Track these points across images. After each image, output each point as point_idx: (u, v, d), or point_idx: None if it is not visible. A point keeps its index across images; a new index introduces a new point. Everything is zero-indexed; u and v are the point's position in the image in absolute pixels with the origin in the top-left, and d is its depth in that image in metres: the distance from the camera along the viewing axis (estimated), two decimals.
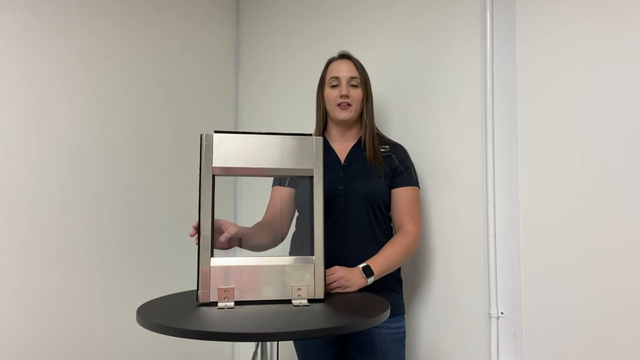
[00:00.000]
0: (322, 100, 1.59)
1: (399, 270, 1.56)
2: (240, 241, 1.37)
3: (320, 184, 1.24)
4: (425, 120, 1.77)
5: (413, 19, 1.83)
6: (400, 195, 1.53)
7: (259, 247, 1.49)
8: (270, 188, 1.65)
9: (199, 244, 1.17)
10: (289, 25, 2.26)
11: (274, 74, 2.31)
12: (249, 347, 2.24)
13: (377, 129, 1.61)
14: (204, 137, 1.20)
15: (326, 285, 1.25)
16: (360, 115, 1.58)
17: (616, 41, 1.41)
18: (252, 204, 2.30)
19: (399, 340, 1.51)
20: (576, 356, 1.43)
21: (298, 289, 1.19)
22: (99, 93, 1.86)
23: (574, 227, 1.45)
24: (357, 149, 1.57)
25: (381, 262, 1.41)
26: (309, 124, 1.66)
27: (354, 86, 1.54)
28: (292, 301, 1.18)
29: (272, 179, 1.64)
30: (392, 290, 1.52)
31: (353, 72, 1.55)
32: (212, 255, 1.17)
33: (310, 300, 1.19)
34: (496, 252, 1.61)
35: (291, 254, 1.60)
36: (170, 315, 1.08)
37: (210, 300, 1.15)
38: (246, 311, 1.10)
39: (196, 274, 1.16)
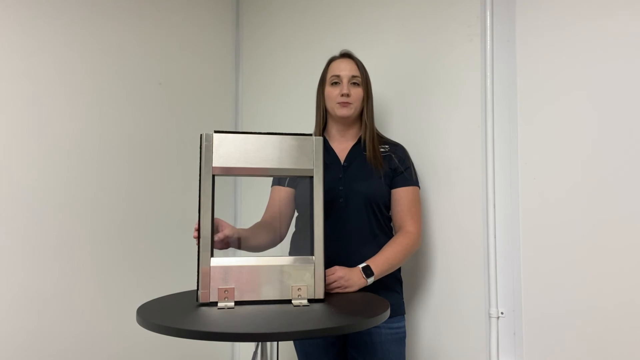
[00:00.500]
0: (323, 99, 1.59)
1: (399, 270, 1.56)
2: (238, 243, 1.37)
3: (320, 184, 1.24)
4: (425, 120, 1.77)
5: (413, 19, 1.83)
6: (400, 195, 1.53)
7: (257, 248, 1.49)
8: (270, 188, 1.65)
9: (198, 244, 1.17)
10: (289, 25, 2.26)
11: (274, 74, 2.31)
12: (249, 347, 2.24)
13: (376, 129, 1.61)
14: (203, 137, 1.20)
15: (326, 285, 1.25)
16: (360, 114, 1.58)
17: (616, 41, 1.41)
18: (252, 204, 2.30)
19: (399, 340, 1.51)
20: (576, 356, 1.43)
21: (298, 289, 1.19)
22: (99, 93, 1.86)
23: (574, 226, 1.45)
24: (357, 149, 1.57)
25: (381, 262, 1.41)
26: (309, 124, 1.66)
27: (355, 85, 1.54)
28: (292, 301, 1.18)
29: (271, 178, 1.64)
30: (392, 290, 1.52)
31: (354, 71, 1.55)
32: (212, 255, 1.17)
33: (310, 300, 1.19)
34: (496, 252, 1.61)
35: (291, 254, 1.60)
36: (170, 315, 1.08)
37: (210, 300, 1.15)
38: (246, 311, 1.10)
39: (196, 274, 1.16)
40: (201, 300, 1.15)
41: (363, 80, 1.56)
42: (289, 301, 1.18)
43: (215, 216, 1.22)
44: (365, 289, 1.35)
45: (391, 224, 1.57)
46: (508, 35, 1.62)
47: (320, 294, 1.20)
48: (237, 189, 2.40)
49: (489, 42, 1.64)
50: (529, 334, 1.52)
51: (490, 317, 1.60)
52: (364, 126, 1.57)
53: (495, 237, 1.61)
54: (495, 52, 1.64)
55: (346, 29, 2.03)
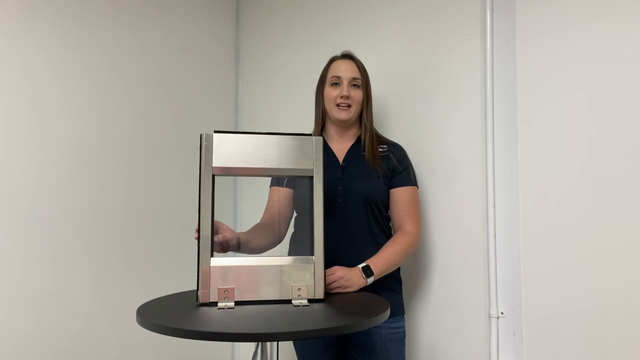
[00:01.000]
0: (322, 99, 1.58)
1: (398, 270, 1.56)
2: (238, 246, 1.37)
3: (320, 184, 1.24)
4: (425, 120, 1.77)
5: (413, 19, 1.83)
6: (399, 195, 1.53)
7: (257, 250, 1.49)
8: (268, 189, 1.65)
9: (198, 244, 1.17)
10: (289, 25, 2.26)
11: (274, 74, 2.31)
12: (249, 347, 2.24)
13: (375, 129, 1.61)
14: (203, 137, 1.20)
15: (326, 285, 1.25)
16: (360, 116, 1.57)
17: (616, 41, 1.41)
18: (252, 204, 2.30)
19: (399, 340, 1.51)
20: (576, 356, 1.43)
21: (298, 289, 1.19)
22: (98, 93, 1.86)
23: (574, 226, 1.45)
24: (356, 149, 1.56)
25: (381, 262, 1.41)
26: (309, 124, 1.66)
27: (355, 86, 1.54)
28: (292, 301, 1.18)
29: (270, 178, 1.64)
30: (391, 290, 1.52)
31: (355, 72, 1.54)
32: (212, 255, 1.17)
33: (310, 300, 1.19)
34: (496, 252, 1.61)
35: (290, 254, 1.60)
36: (170, 315, 1.08)
37: (210, 300, 1.15)
38: (246, 311, 1.10)
39: (196, 274, 1.16)
40: (201, 300, 1.15)
41: (363, 82, 1.55)
42: (289, 301, 1.18)
43: (215, 218, 1.22)
44: (365, 289, 1.36)
45: (390, 224, 1.57)
46: (508, 35, 1.62)
47: (320, 294, 1.20)
48: (237, 189, 2.40)
49: (489, 42, 1.64)
50: (529, 334, 1.52)
51: (490, 317, 1.60)
52: (363, 128, 1.56)
53: (495, 237, 1.61)
54: (495, 52, 1.64)
55: (346, 28, 2.03)
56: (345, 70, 1.54)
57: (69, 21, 1.78)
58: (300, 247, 1.54)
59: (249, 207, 2.34)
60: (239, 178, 2.37)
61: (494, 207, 1.62)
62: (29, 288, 1.65)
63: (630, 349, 1.35)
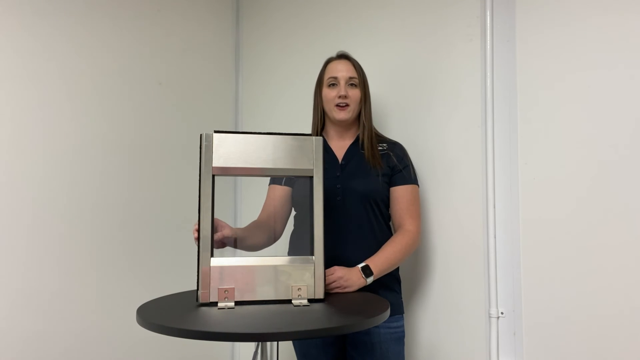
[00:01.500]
0: (320, 100, 1.59)
1: (397, 269, 1.56)
2: (234, 242, 1.37)
3: (320, 184, 1.24)
4: (425, 120, 1.77)
5: (413, 19, 1.83)
6: (399, 194, 1.53)
7: (253, 248, 1.49)
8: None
9: (198, 244, 1.17)
10: (289, 25, 2.26)
11: (274, 74, 2.31)
12: (249, 347, 2.24)
13: (374, 128, 1.61)
14: (203, 137, 1.20)
15: (325, 285, 1.25)
16: (358, 115, 1.58)
17: (616, 41, 1.40)
18: (252, 204, 2.30)
19: (399, 339, 1.51)
20: (576, 356, 1.43)
21: (298, 289, 1.19)
22: (99, 93, 1.86)
23: (574, 226, 1.45)
24: (355, 148, 1.57)
25: (380, 261, 1.41)
26: (309, 124, 1.66)
27: (353, 86, 1.54)
28: (292, 301, 1.18)
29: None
30: (391, 290, 1.52)
31: (352, 72, 1.55)
32: (212, 256, 1.17)
33: (310, 300, 1.19)
34: (496, 252, 1.61)
35: (290, 253, 1.60)
36: (170, 315, 1.08)
37: (210, 300, 1.15)
38: (246, 311, 1.10)
39: (196, 274, 1.16)
40: (201, 300, 1.15)
41: (360, 81, 1.55)
42: (289, 301, 1.18)
43: (215, 216, 1.22)
44: (364, 289, 1.36)
45: (390, 223, 1.57)
46: (508, 35, 1.62)
47: (320, 294, 1.20)
48: (237, 189, 2.40)
49: (489, 41, 1.64)
50: (529, 334, 1.52)
51: (490, 317, 1.60)
52: (362, 127, 1.56)
53: (495, 237, 1.61)
54: (495, 52, 1.64)
55: (346, 28, 2.03)
56: (341, 70, 1.54)
57: (69, 21, 1.78)
58: (300, 246, 1.54)
59: (248, 207, 2.34)
60: (238, 178, 2.38)
61: (494, 207, 1.62)
62: (29, 288, 1.65)
63: (631, 349, 1.35)
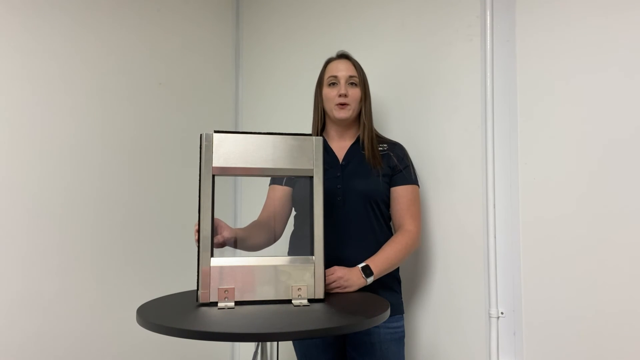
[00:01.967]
0: (321, 100, 1.59)
1: (397, 269, 1.56)
2: (234, 243, 1.37)
3: (320, 184, 1.24)
4: (425, 120, 1.77)
5: (413, 18, 1.83)
6: (400, 194, 1.53)
7: (253, 248, 1.49)
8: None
9: (198, 244, 1.17)
10: (289, 25, 2.26)
11: (274, 74, 2.31)
12: (249, 347, 2.24)
13: (375, 129, 1.61)
14: (203, 137, 1.20)
15: (325, 285, 1.25)
16: (359, 115, 1.58)
17: (616, 41, 1.40)
18: (252, 204, 2.30)
19: (398, 339, 1.51)
20: (576, 356, 1.43)
21: (298, 289, 1.19)
22: (99, 93, 1.86)
23: (574, 226, 1.45)
24: (355, 148, 1.57)
25: (380, 261, 1.41)
26: (309, 124, 1.66)
27: (353, 85, 1.54)
28: (292, 301, 1.18)
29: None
30: (391, 290, 1.52)
31: (352, 71, 1.55)
32: (212, 256, 1.17)
33: (310, 300, 1.19)
34: (496, 252, 1.61)
35: (290, 253, 1.60)
36: (170, 315, 1.08)
37: (210, 301, 1.15)
38: (246, 311, 1.10)
39: (196, 274, 1.16)
40: (201, 300, 1.15)
41: (360, 80, 1.56)
42: (289, 301, 1.18)
43: (215, 216, 1.22)
44: (364, 289, 1.36)
45: (391, 223, 1.57)
46: (508, 35, 1.62)
47: (320, 294, 1.20)
48: (237, 189, 2.40)
49: (489, 42, 1.64)
50: (529, 334, 1.52)
51: (490, 317, 1.60)
52: (362, 126, 1.57)
53: (495, 237, 1.61)
54: (495, 52, 1.64)
55: (346, 28, 2.03)
56: (342, 70, 1.54)
57: (69, 21, 1.78)
58: (300, 246, 1.54)
59: (248, 207, 2.34)
60: (239, 178, 2.38)
61: (494, 207, 1.62)
62: (29, 288, 1.65)
63: (631, 349, 1.35)
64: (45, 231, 1.70)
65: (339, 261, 1.37)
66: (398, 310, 1.53)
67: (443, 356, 1.69)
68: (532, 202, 1.53)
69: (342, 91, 1.52)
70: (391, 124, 1.85)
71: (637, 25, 1.38)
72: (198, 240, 1.17)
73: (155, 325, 0.99)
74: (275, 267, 1.19)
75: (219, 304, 1.15)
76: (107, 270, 1.86)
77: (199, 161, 1.19)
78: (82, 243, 1.79)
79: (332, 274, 1.32)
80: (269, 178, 1.65)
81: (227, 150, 1.20)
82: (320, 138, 1.26)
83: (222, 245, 1.32)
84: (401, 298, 1.58)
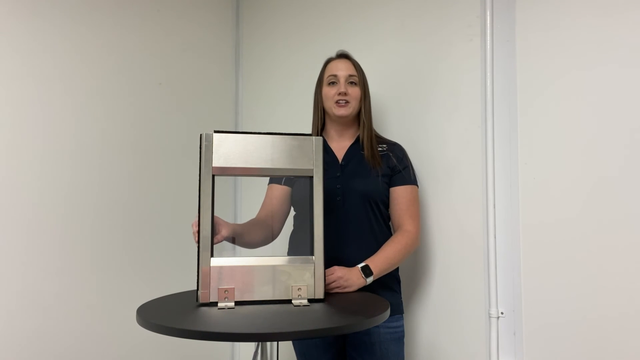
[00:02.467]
0: (320, 99, 1.59)
1: (397, 269, 1.56)
2: (233, 239, 1.37)
3: (320, 184, 1.24)
4: (425, 120, 1.77)
5: (413, 18, 1.83)
6: (399, 194, 1.53)
7: (251, 245, 1.49)
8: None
9: (198, 244, 1.17)
10: (289, 25, 2.26)
11: (274, 74, 2.31)
12: (249, 347, 2.24)
13: (374, 129, 1.61)
14: (203, 137, 1.20)
15: (325, 285, 1.25)
16: (358, 114, 1.58)
17: (616, 41, 1.41)
18: (252, 204, 2.30)
19: (398, 339, 1.51)
20: (576, 356, 1.43)
21: (298, 289, 1.19)
22: (98, 93, 1.86)
23: (574, 226, 1.45)
24: (355, 148, 1.57)
25: (380, 261, 1.41)
26: (309, 124, 1.66)
27: (353, 84, 1.55)
28: (292, 301, 1.18)
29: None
30: (390, 290, 1.52)
31: (351, 70, 1.55)
32: (212, 256, 1.17)
33: (310, 300, 1.19)
34: (496, 252, 1.61)
35: (289, 252, 1.60)
36: (170, 315, 1.08)
37: (210, 301, 1.15)
38: (246, 311, 1.10)
39: (196, 274, 1.16)
40: (201, 300, 1.15)
41: (360, 79, 1.56)
42: (289, 301, 1.18)
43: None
44: (364, 289, 1.36)
45: (390, 223, 1.57)
46: (508, 35, 1.62)
47: (320, 294, 1.20)
48: (237, 189, 2.40)
49: (489, 41, 1.64)
50: (529, 334, 1.52)
51: (490, 317, 1.60)
52: (362, 125, 1.57)
53: (495, 237, 1.61)
54: (495, 52, 1.64)
55: (346, 28, 2.03)
56: (341, 69, 1.55)
57: (69, 21, 1.78)
58: (300, 245, 1.54)
59: (248, 207, 2.34)
60: (239, 178, 2.38)
61: (494, 207, 1.62)
62: (29, 288, 1.65)
63: (631, 349, 1.35)
64: (45, 231, 1.69)
65: (338, 261, 1.37)
66: (398, 310, 1.53)
67: (443, 356, 1.69)
68: (532, 202, 1.53)
69: (342, 89, 1.52)
70: (391, 123, 1.85)
71: (637, 24, 1.38)
72: (198, 241, 1.17)
73: (155, 325, 0.99)
74: (275, 267, 1.19)
75: (219, 304, 1.15)
76: (107, 270, 1.86)
77: (199, 161, 1.19)
78: (82, 243, 1.79)
79: (332, 274, 1.32)
80: (268, 178, 1.65)
81: (227, 150, 1.20)
82: (320, 138, 1.26)
83: (219, 241, 1.31)
84: (401, 298, 1.58)
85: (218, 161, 1.19)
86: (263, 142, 1.22)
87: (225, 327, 0.97)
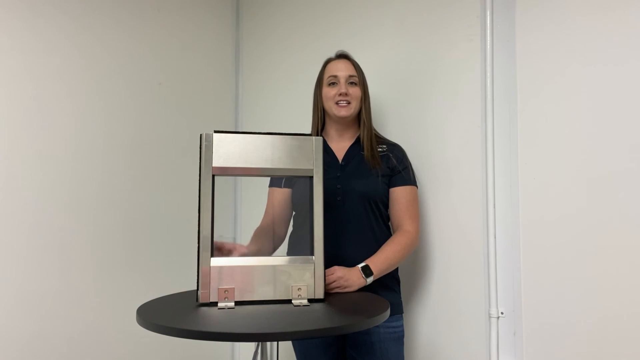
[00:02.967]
0: (320, 99, 1.59)
1: (396, 269, 1.56)
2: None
3: (320, 184, 1.24)
4: (425, 120, 1.77)
5: (413, 18, 1.83)
6: (398, 195, 1.53)
7: (265, 255, 1.50)
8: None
9: (198, 243, 1.17)
10: (289, 25, 2.26)
11: (274, 74, 2.31)
12: (249, 347, 2.24)
13: (374, 130, 1.61)
14: (203, 137, 1.20)
15: (325, 285, 1.25)
16: (358, 114, 1.58)
17: (616, 40, 1.40)
18: (252, 204, 2.30)
19: (398, 339, 1.51)
20: (576, 356, 1.43)
21: (298, 289, 1.19)
22: (99, 93, 1.86)
23: (574, 226, 1.45)
24: (355, 148, 1.57)
25: (380, 261, 1.41)
26: (309, 124, 1.66)
27: (353, 84, 1.55)
28: (292, 301, 1.18)
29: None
30: (390, 290, 1.52)
31: (351, 71, 1.55)
32: (212, 255, 1.17)
33: (310, 300, 1.19)
34: (496, 252, 1.61)
35: (289, 252, 1.60)
36: (170, 315, 1.08)
37: (210, 301, 1.15)
38: (246, 311, 1.10)
39: (196, 274, 1.16)
40: (201, 300, 1.15)
41: (360, 80, 1.56)
42: (289, 301, 1.18)
43: (215, 219, 1.21)
44: (364, 288, 1.36)
45: (390, 223, 1.58)
46: (508, 35, 1.62)
47: (320, 294, 1.20)
48: (237, 189, 2.40)
49: (489, 42, 1.64)
50: (529, 334, 1.52)
51: (490, 317, 1.60)
52: (362, 125, 1.57)
53: (495, 237, 1.61)
54: (495, 52, 1.64)
55: (346, 27, 2.03)
56: (341, 70, 1.55)
57: (69, 21, 1.78)
58: (299, 246, 1.54)
59: (249, 207, 2.34)
60: (239, 178, 2.38)
61: (494, 207, 1.62)
62: (29, 288, 1.65)
63: (631, 349, 1.35)
64: (45, 231, 1.70)
65: (338, 261, 1.37)
66: (397, 310, 1.53)
67: (443, 356, 1.69)
68: (532, 202, 1.53)
69: (343, 90, 1.52)
70: (391, 123, 1.85)
71: (637, 25, 1.38)
72: (198, 240, 1.17)
73: (155, 325, 0.99)
74: (275, 267, 1.19)
75: (219, 304, 1.15)
76: (107, 270, 1.86)
77: (199, 161, 1.19)
78: (82, 243, 1.79)
79: (332, 274, 1.32)
80: (269, 178, 1.65)
81: (227, 150, 1.20)
82: (320, 138, 1.26)
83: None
84: (401, 298, 1.58)
85: (218, 161, 1.19)
86: (263, 142, 1.22)
87: (225, 327, 0.97)
